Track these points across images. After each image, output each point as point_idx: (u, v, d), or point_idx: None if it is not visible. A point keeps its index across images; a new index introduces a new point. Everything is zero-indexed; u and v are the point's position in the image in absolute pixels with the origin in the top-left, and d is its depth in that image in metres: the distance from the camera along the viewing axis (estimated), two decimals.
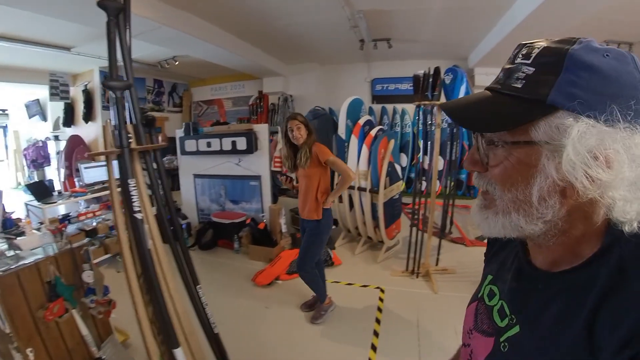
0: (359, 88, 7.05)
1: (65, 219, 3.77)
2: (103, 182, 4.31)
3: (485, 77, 6.14)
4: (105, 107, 6.68)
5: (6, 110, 8.25)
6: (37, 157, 7.32)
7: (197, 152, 4.56)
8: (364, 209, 4.13)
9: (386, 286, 3.37)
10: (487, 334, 0.56)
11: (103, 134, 1.39)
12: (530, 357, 0.47)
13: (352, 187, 4.14)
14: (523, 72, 0.44)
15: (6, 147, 8.59)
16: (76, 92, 6.98)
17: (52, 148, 7.33)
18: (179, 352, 1.43)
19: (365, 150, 4.14)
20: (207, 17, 4.61)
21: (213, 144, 4.41)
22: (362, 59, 6.77)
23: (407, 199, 4.66)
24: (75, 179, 6.19)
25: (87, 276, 2.03)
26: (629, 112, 0.39)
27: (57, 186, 7.12)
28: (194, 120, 8.59)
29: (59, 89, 6.33)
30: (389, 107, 6.92)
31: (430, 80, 3.42)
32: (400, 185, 4.41)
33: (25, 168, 8.00)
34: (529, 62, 0.44)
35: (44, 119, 7.43)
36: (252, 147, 4.22)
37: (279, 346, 2.57)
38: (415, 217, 3.75)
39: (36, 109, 7.57)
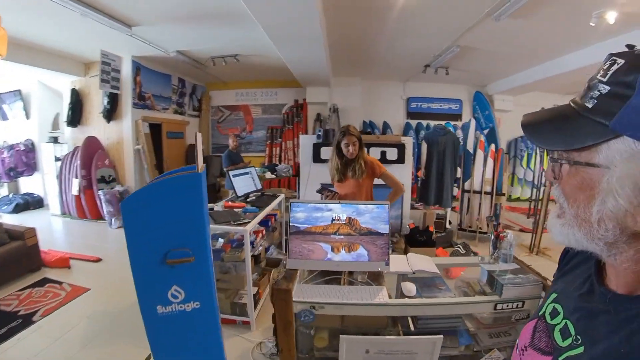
0: (395, 105, 7.57)
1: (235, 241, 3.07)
2: (249, 195, 3.66)
3: (503, 102, 7.40)
4: (137, 105, 5.55)
5: None
6: (17, 165, 5.45)
7: None
8: (482, 209, 4.73)
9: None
10: (543, 353, 0.55)
11: None
12: None
13: (477, 192, 4.73)
14: (598, 91, 0.44)
15: None
16: (85, 84, 5.59)
17: (46, 153, 5.56)
18: None
19: (490, 161, 4.74)
20: (330, 28, 4.53)
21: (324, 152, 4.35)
22: (399, 78, 7.37)
23: None
24: (99, 193, 5.00)
25: None
26: None
27: (54, 203, 5.47)
28: (213, 126, 7.67)
29: (110, 74, 4.96)
30: (423, 123, 7.61)
31: None
32: None
33: None
34: (604, 80, 0.43)
35: (26, 116, 5.60)
36: (403, 158, 4.33)
37: None
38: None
39: (9, 102, 5.67)
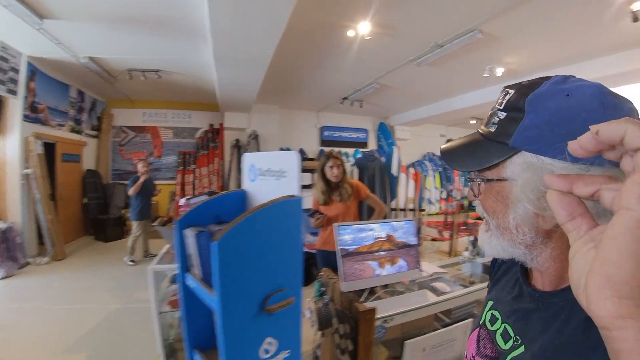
0: (310, 133, 8.06)
1: None
2: None
3: (402, 132, 8.68)
4: (28, 118, 4.51)
5: None
6: None
7: None
8: None
9: None
10: (490, 359, 0.58)
11: None
12: None
13: (402, 209, 5.45)
14: (497, 117, 0.51)
15: None
16: None
17: None
18: None
19: (412, 183, 5.53)
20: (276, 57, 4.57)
21: (304, 178, 4.52)
22: (314, 108, 7.87)
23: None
24: None
25: None
26: None
27: None
28: (114, 149, 6.54)
29: (7, 74, 3.82)
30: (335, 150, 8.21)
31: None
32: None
33: None
34: (501, 108, 0.51)
35: None
36: None
37: None
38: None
39: None
